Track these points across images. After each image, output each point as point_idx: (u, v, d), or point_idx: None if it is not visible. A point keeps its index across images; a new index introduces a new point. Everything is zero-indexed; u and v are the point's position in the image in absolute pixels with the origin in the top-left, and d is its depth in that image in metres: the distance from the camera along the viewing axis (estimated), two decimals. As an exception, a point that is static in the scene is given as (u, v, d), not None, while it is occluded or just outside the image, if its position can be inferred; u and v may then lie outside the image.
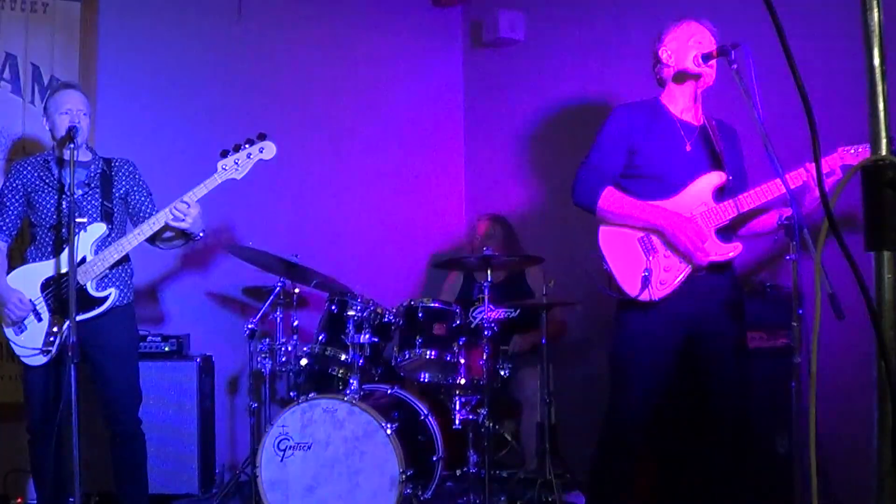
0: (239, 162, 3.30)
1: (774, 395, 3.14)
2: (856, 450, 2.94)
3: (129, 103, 4.46)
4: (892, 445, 1.30)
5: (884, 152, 1.31)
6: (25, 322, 3.28)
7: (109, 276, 3.35)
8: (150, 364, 4.03)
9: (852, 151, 2.83)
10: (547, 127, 4.94)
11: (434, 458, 3.74)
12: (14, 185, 3.39)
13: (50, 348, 3.25)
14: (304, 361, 3.95)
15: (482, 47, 5.32)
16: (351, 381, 3.67)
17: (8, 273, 3.33)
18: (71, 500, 2.99)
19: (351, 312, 3.74)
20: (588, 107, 4.59)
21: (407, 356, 3.79)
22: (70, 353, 2.92)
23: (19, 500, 4.00)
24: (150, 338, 4.21)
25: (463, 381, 3.74)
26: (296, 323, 4.18)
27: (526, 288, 4.60)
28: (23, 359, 3.28)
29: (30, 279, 3.31)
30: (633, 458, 3.11)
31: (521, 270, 4.66)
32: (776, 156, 2.66)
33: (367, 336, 3.74)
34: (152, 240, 3.40)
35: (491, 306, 3.69)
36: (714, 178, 3.02)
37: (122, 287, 3.39)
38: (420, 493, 3.60)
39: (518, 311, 3.84)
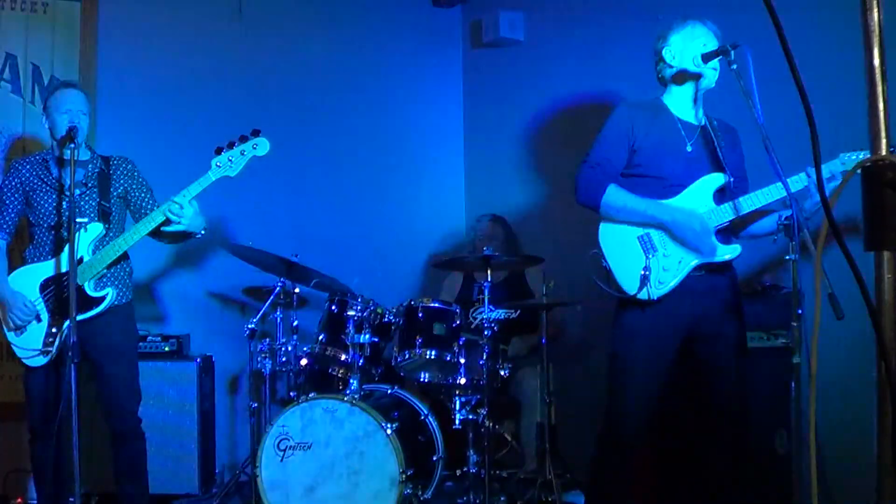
0: (233, 159, 3.30)
1: (774, 395, 3.14)
2: (856, 450, 2.94)
3: (129, 103, 4.46)
4: (892, 445, 1.30)
5: (884, 152, 1.31)
6: (25, 322, 3.28)
7: (107, 275, 3.35)
8: (150, 364, 4.02)
9: (853, 157, 2.84)
10: (547, 127, 4.94)
11: (434, 458, 3.74)
12: (13, 183, 3.39)
13: (49, 349, 3.25)
14: (304, 361, 3.95)
15: (482, 47, 5.32)
16: (351, 381, 3.67)
17: (8, 273, 3.34)
18: (71, 500, 2.99)
19: (351, 312, 3.74)
20: (588, 107, 4.58)
21: (407, 356, 3.79)
22: (70, 353, 2.92)
23: (19, 500, 4.00)
24: (150, 338, 4.21)
25: (463, 381, 3.74)
26: (296, 323, 4.18)
27: (526, 288, 4.60)
28: (23, 359, 3.28)
29: (29, 280, 3.31)
30: (632, 458, 3.11)
31: (521, 271, 4.66)
32: (776, 157, 2.67)
33: (367, 336, 3.74)
34: (155, 235, 3.40)
35: (491, 306, 3.69)
36: (716, 179, 3.02)
37: (120, 286, 3.39)
38: (420, 493, 3.60)
39: (518, 311, 3.84)
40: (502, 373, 3.85)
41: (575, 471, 4.05)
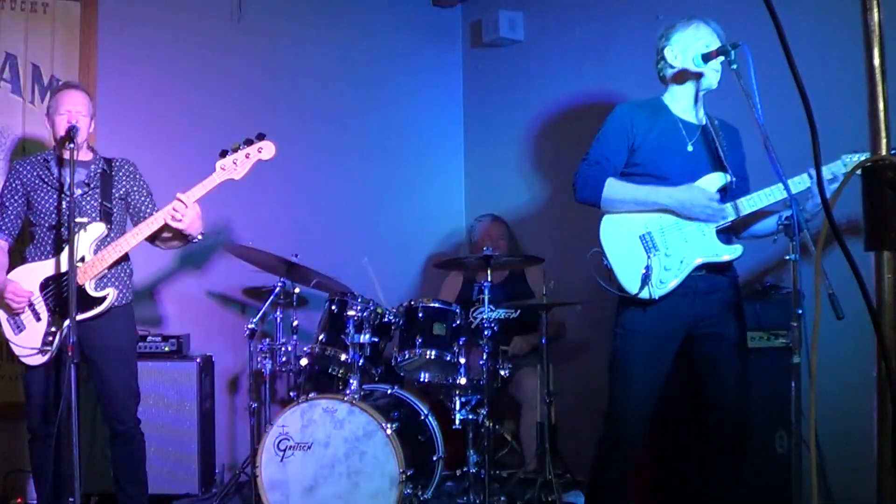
0: (237, 162, 3.30)
1: (774, 395, 3.14)
2: (856, 450, 2.93)
3: (129, 103, 4.46)
4: (892, 445, 1.30)
5: (884, 152, 1.31)
6: (24, 322, 3.28)
7: (108, 275, 3.35)
8: (150, 364, 4.03)
9: (855, 158, 2.83)
10: (547, 127, 4.94)
11: (434, 458, 3.74)
12: (14, 184, 3.39)
13: (48, 348, 3.25)
14: (304, 361, 3.94)
15: (482, 47, 5.32)
16: (351, 381, 3.67)
17: (8, 272, 3.34)
18: (71, 500, 2.99)
19: (351, 312, 3.74)
20: (588, 107, 4.59)
21: (407, 356, 3.79)
22: (70, 353, 2.92)
23: (19, 500, 4.00)
24: (150, 338, 4.21)
25: (463, 381, 3.74)
26: (296, 323, 4.18)
27: (526, 288, 4.61)
28: (22, 358, 3.28)
29: (29, 279, 3.31)
30: (632, 458, 3.11)
31: (521, 271, 4.66)
32: (777, 157, 2.66)
33: (367, 336, 3.74)
34: (152, 239, 3.40)
35: (491, 306, 3.69)
36: (717, 179, 3.02)
37: (120, 287, 3.39)
38: (420, 493, 3.60)
39: (518, 311, 3.84)
40: (502, 373, 3.85)
41: (575, 471, 4.05)
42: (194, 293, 4.64)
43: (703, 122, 3.10)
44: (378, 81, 5.23)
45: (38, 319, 3.29)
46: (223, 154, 3.31)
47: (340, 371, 3.87)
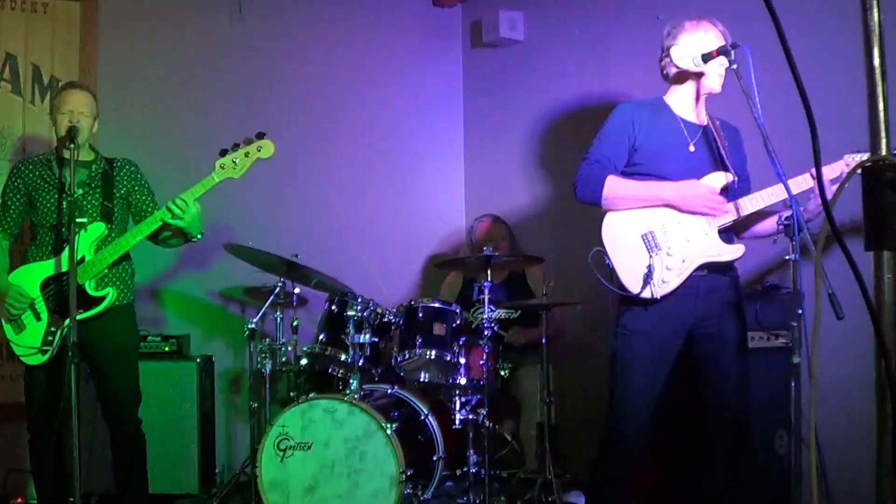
0: (237, 161, 3.30)
1: (774, 395, 3.14)
2: (856, 450, 2.93)
3: (129, 103, 4.46)
4: (892, 445, 1.30)
5: (884, 152, 1.31)
6: (24, 321, 3.28)
7: (109, 275, 3.36)
8: (150, 364, 4.02)
9: (857, 158, 2.83)
10: (547, 127, 4.94)
11: (434, 458, 3.73)
12: (16, 184, 3.40)
13: (48, 347, 3.25)
14: (304, 361, 3.94)
15: (482, 47, 5.32)
16: (351, 381, 3.66)
17: (8, 272, 3.34)
18: (71, 500, 2.99)
19: (351, 312, 3.74)
20: (588, 107, 4.59)
21: (407, 356, 3.79)
22: (70, 353, 2.92)
23: (19, 500, 4.00)
24: (150, 338, 4.21)
25: (463, 381, 3.74)
26: (296, 323, 4.18)
27: (526, 288, 4.61)
28: (22, 358, 3.28)
29: (29, 278, 3.31)
30: (633, 458, 3.10)
31: (521, 271, 4.66)
32: (777, 157, 2.66)
33: (367, 336, 3.74)
34: (153, 238, 3.40)
35: (491, 306, 3.69)
36: (719, 179, 3.01)
37: (121, 287, 3.39)
38: (420, 493, 3.59)
39: (518, 311, 3.84)
40: (502, 373, 3.85)
41: (575, 471, 4.05)
42: (195, 293, 4.64)
43: (705, 123, 3.10)
44: (378, 81, 5.23)
45: (39, 319, 3.29)
46: (223, 153, 3.31)
47: (340, 371, 3.87)
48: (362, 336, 3.73)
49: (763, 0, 1.36)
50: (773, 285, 3.56)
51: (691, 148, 3.04)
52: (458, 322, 3.83)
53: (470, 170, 5.48)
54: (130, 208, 3.49)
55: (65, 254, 3.25)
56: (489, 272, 3.83)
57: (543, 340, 4.06)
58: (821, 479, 2.94)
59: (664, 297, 2.94)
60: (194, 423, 4.14)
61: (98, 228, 3.32)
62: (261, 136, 3.35)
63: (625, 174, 3.05)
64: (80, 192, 3.32)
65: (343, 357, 3.78)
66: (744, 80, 2.72)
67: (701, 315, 3.00)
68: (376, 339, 3.83)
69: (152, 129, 4.49)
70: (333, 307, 3.92)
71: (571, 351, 4.62)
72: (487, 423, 3.68)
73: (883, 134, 1.32)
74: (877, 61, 1.31)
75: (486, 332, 3.68)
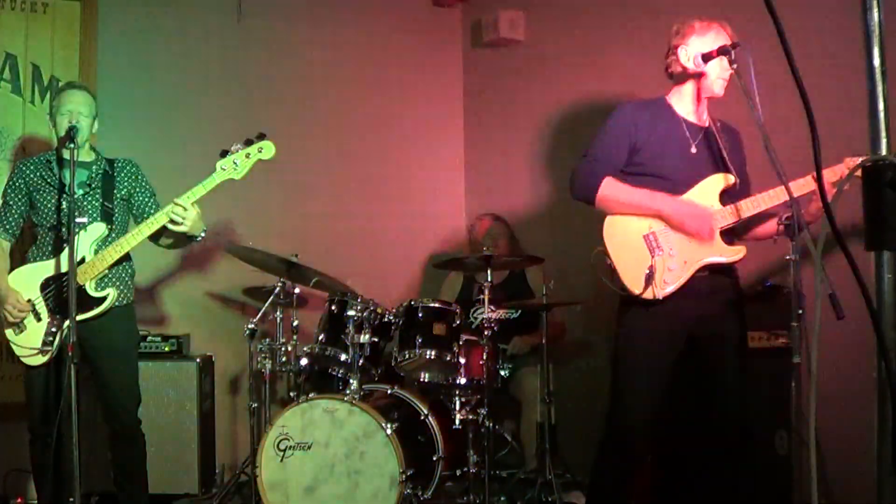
0: (238, 162, 3.30)
1: (774, 395, 3.14)
2: (856, 450, 2.93)
3: (129, 103, 4.46)
4: (892, 446, 1.30)
5: (884, 152, 1.31)
6: (25, 322, 3.28)
7: (109, 275, 3.35)
8: (150, 364, 4.03)
9: (858, 161, 2.82)
10: (547, 127, 4.94)
11: (434, 458, 3.73)
12: (17, 184, 3.39)
13: (48, 348, 3.24)
14: (304, 361, 3.94)
15: (482, 47, 5.32)
16: (351, 381, 3.67)
17: (9, 273, 3.34)
18: (71, 500, 2.99)
19: (351, 312, 3.74)
20: (588, 107, 4.58)
21: (407, 356, 3.79)
22: (70, 353, 2.92)
23: (19, 500, 4.00)
24: (150, 338, 4.21)
25: (463, 381, 3.74)
26: (296, 323, 4.18)
27: (526, 288, 4.61)
28: (22, 358, 3.28)
29: (29, 279, 3.31)
30: (633, 458, 3.10)
31: (521, 270, 4.66)
32: (777, 157, 2.66)
33: (367, 336, 3.74)
34: (155, 239, 3.40)
35: (491, 306, 3.69)
36: (721, 180, 3.01)
37: (121, 287, 3.39)
38: (420, 493, 3.60)
39: (518, 311, 3.84)
40: (502, 373, 3.85)
41: (575, 471, 4.05)
42: (195, 293, 4.63)
43: (707, 124, 3.09)
44: (378, 81, 5.23)
45: (39, 319, 3.29)
46: (223, 154, 3.30)
47: (340, 371, 3.87)
48: (362, 336, 3.72)
49: (763, 0, 1.36)
50: (773, 286, 3.56)
51: (693, 149, 3.03)
52: (458, 322, 3.83)
53: (470, 170, 5.48)
54: (131, 209, 3.49)
55: (65, 254, 3.24)
56: (489, 272, 3.83)
57: (543, 340, 4.06)
58: (821, 479, 2.94)
59: (665, 298, 2.94)
60: (194, 424, 4.14)
61: (98, 229, 3.32)
62: (261, 136, 3.34)
63: (625, 174, 3.05)
64: (81, 192, 3.32)
65: (343, 357, 3.78)
66: (744, 80, 2.71)
67: (702, 315, 2.99)
68: (376, 339, 3.82)
69: (152, 130, 4.49)
70: (333, 307, 3.92)
71: (571, 351, 4.62)
72: (487, 423, 3.68)
73: (883, 134, 1.32)
74: (877, 61, 1.31)
75: (486, 332, 3.68)
